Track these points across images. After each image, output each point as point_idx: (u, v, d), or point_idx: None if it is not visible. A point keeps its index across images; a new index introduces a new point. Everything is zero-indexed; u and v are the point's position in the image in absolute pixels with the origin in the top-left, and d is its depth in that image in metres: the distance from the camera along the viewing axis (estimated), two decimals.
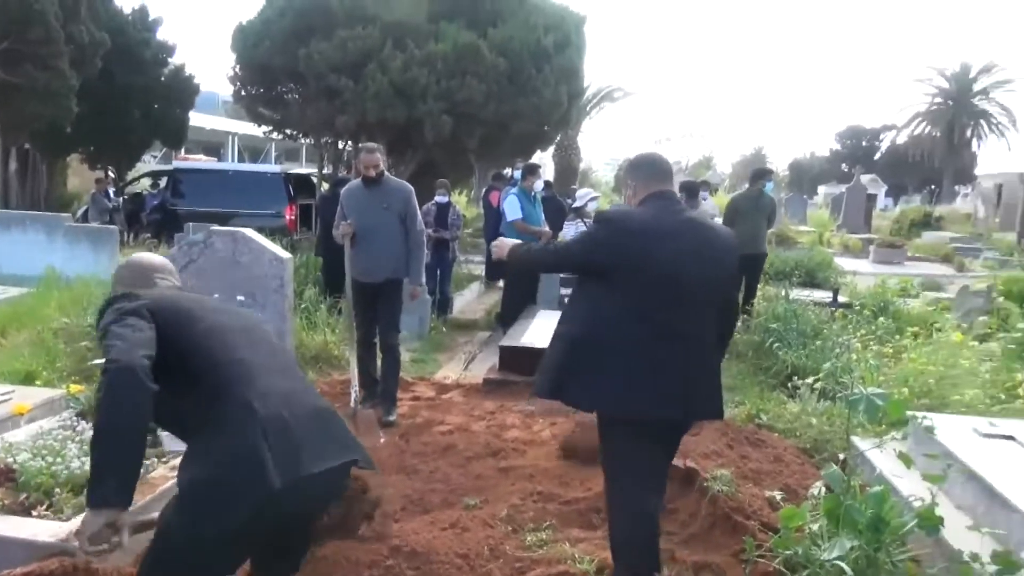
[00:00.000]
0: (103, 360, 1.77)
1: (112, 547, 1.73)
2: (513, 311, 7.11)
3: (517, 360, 5.58)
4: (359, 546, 2.93)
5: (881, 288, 8.66)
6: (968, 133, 40.61)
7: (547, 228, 7.23)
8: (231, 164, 25.58)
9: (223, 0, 69.04)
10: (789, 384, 5.39)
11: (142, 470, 2.16)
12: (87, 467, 3.10)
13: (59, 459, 3.07)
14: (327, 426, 1.98)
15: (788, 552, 2.58)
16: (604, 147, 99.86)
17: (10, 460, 3.07)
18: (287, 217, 12.15)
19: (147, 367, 1.75)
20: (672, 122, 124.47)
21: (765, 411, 4.82)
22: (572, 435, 4.11)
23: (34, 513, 2.85)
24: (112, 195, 14.89)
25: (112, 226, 10.70)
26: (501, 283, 8.70)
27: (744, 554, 2.74)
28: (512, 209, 7.07)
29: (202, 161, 24.84)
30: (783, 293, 7.75)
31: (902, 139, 44.34)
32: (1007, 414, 4.23)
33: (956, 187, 39.72)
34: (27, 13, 12.52)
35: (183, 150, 25.25)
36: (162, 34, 18.01)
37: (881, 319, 6.73)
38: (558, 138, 23.99)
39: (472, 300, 9.78)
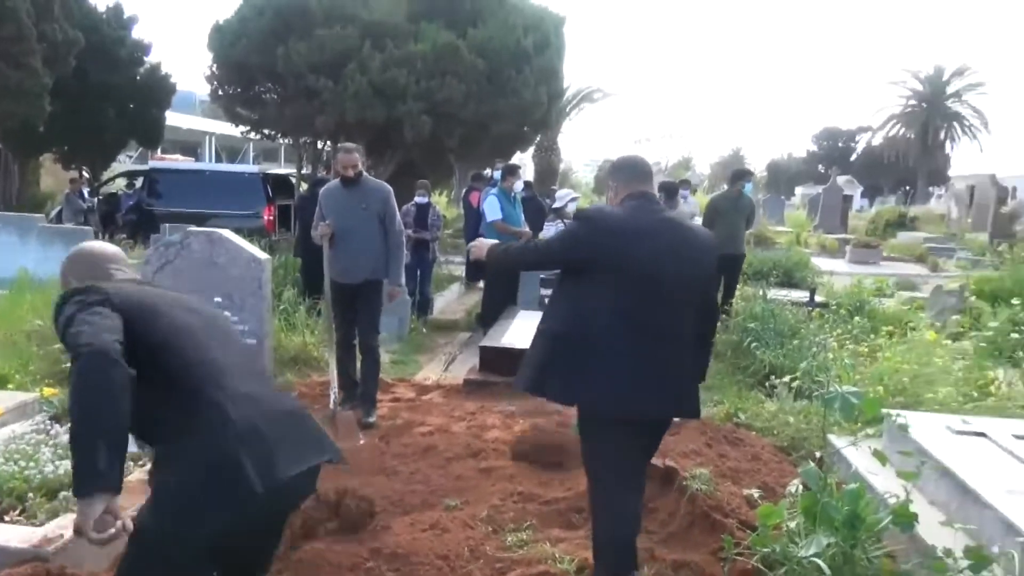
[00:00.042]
0: (72, 350, 1.66)
1: (119, 532, 1.64)
2: (493, 312, 7.11)
3: (497, 361, 5.58)
4: (339, 548, 2.92)
5: (857, 288, 8.77)
6: (941, 135, 41.28)
7: (527, 229, 7.24)
8: (208, 164, 25.39)
9: None
10: (767, 383, 5.45)
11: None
12: (61, 471, 3.08)
13: (32, 463, 3.03)
14: (299, 427, 1.97)
15: (766, 550, 2.61)
16: (584, 148, 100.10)
17: None
18: (265, 218, 12.06)
19: (120, 351, 1.66)
20: (652, 123, 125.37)
21: (743, 410, 4.86)
22: (523, 436, 4.13)
23: (6, 518, 2.81)
24: (87, 195, 14.71)
25: (87, 227, 10.56)
26: (481, 284, 8.70)
27: (723, 552, 2.77)
28: (492, 210, 7.08)
29: (179, 161, 24.59)
30: (761, 293, 7.82)
31: (877, 140, 45.00)
32: (979, 411, 4.31)
33: (930, 188, 40.34)
34: None
35: (159, 150, 24.98)
36: (137, 32, 17.81)
37: (857, 318, 6.82)
38: (538, 139, 24.05)
39: (452, 301, 9.76)
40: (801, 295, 8.37)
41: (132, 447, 3.22)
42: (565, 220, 7.36)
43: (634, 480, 2.57)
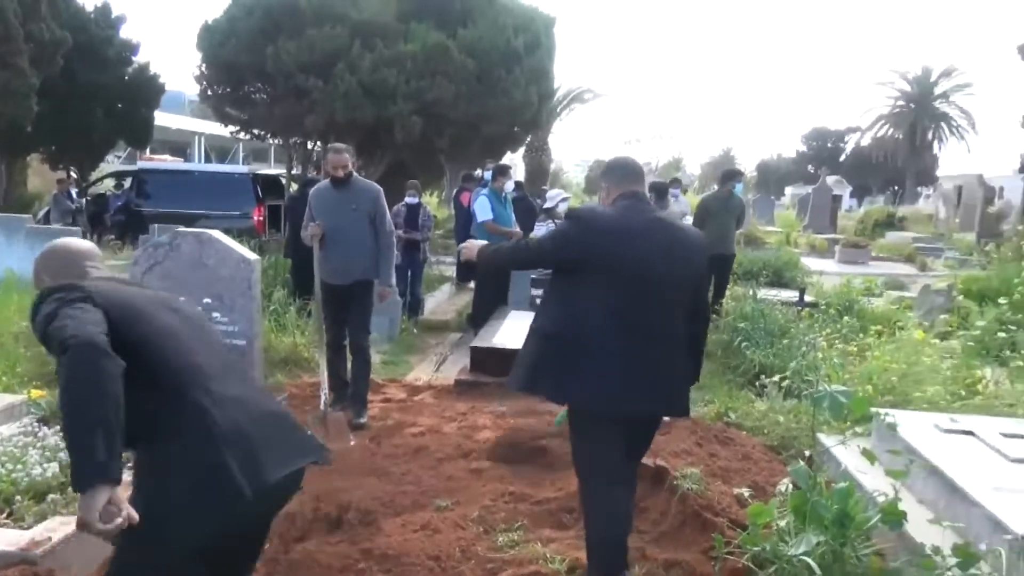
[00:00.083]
0: (57, 344, 1.61)
1: (124, 521, 1.60)
2: (484, 312, 7.11)
3: (488, 361, 5.57)
4: (330, 549, 2.92)
5: (846, 287, 8.82)
6: (929, 135, 41.57)
7: (518, 229, 7.24)
8: (198, 164, 25.26)
9: None
10: (757, 382, 5.47)
11: None
12: (49, 474, 3.05)
13: (20, 466, 3.01)
14: (284, 429, 1.96)
15: (756, 548, 2.62)
16: (575, 148, 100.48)
17: None
18: (255, 218, 12.02)
19: (107, 343, 1.61)
20: (642, 123, 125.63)
21: (733, 409, 4.88)
22: (501, 436, 4.13)
23: None
24: (75, 196, 14.62)
25: (75, 228, 10.47)
26: (472, 284, 8.69)
27: (713, 551, 2.78)
28: (483, 210, 7.08)
29: (168, 161, 24.47)
30: (751, 293, 7.84)
31: (866, 141, 45.28)
32: (967, 410, 4.34)
33: (918, 188, 40.62)
34: None
35: (148, 150, 24.84)
36: (125, 32, 17.73)
37: (846, 318, 6.86)
38: (528, 139, 24.01)
39: (443, 301, 9.76)
40: (791, 295, 8.41)
41: None
42: (556, 220, 7.36)
43: (625, 480, 2.58)
